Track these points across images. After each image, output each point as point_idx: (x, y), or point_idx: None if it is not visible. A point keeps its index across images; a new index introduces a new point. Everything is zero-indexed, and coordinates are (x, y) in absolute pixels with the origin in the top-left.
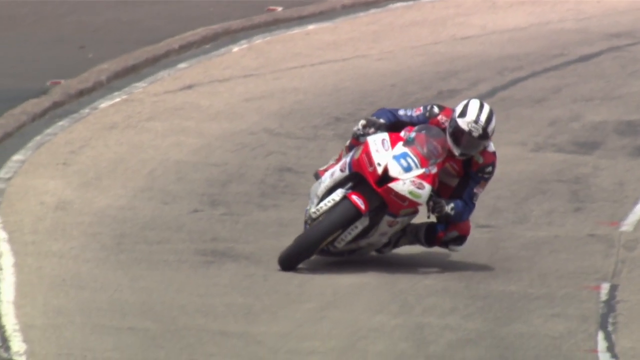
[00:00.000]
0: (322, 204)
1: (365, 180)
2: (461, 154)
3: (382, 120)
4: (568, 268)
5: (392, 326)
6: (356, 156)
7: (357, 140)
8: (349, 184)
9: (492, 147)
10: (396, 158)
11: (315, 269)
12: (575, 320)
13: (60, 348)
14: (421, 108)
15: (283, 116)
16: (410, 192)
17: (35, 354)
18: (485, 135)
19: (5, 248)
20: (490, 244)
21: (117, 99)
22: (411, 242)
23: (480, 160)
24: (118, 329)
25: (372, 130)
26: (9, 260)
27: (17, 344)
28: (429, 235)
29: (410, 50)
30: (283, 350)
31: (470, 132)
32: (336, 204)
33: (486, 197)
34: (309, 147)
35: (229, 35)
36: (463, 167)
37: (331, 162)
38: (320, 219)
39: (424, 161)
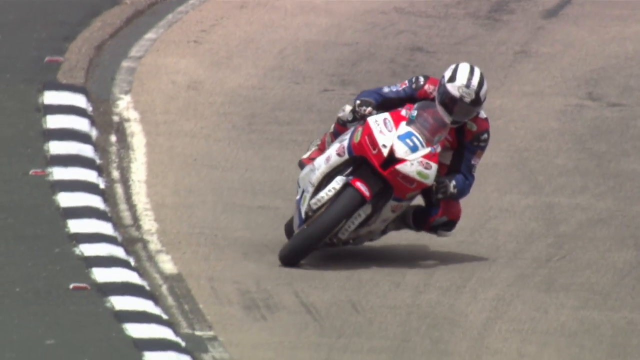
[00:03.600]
0: (322, 194)
1: (365, 165)
2: (453, 122)
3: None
4: None
5: (523, 206)
6: (356, 139)
7: (343, 126)
8: (348, 169)
9: (483, 113)
10: (401, 138)
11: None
12: None
13: (191, 227)
14: (406, 82)
15: None
16: (419, 173)
17: (166, 233)
18: (477, 101)
19: (137, 128)
20: (621, 122)
21: None
22: (398, 227)
23: (474, 128)
24: (249, 207)
25: (368, 110)
26: (140, 140)
27: (148, 223)
28: (417, 219)
29: None
30: (412, 232)
31: (461, 97)
32: (338, 193)
33: (617, 76)
34: (440, 26)
35: None
36: (456, 137)
37: (313, 149)
38: (322, 210)
39: (428, 140)
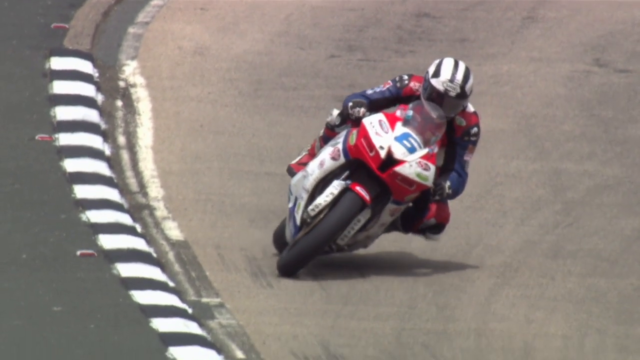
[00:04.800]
0: (320, 200)
1: (361, 168)
2: (442, 116)
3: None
4: None
5: (529, 172)
6: (352, 142)
7: (332, 131)
8: (344, 174)
9: (471, 107)
10: (398, 139)
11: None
12: None
13: (198, 193)
14: (389, 81)
15: None
16: (418, 175)
17: (172, 200)
18: (463, 94)
19: (143, 93)
20: (629, 88)
21: None
22: (388, 230)
23: (463, 123)
24: (256, 174)
25: (362, 111)
26: (146, 106)
27: (154, 190)
28: (406, 221)
29: None
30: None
31: (447, 92)
32: (337, 198)
33: (625, 42)
34: None
35: None
36: (446, 134)
37: (304, 154)
38: (321, 216)
39: (425, 140)
